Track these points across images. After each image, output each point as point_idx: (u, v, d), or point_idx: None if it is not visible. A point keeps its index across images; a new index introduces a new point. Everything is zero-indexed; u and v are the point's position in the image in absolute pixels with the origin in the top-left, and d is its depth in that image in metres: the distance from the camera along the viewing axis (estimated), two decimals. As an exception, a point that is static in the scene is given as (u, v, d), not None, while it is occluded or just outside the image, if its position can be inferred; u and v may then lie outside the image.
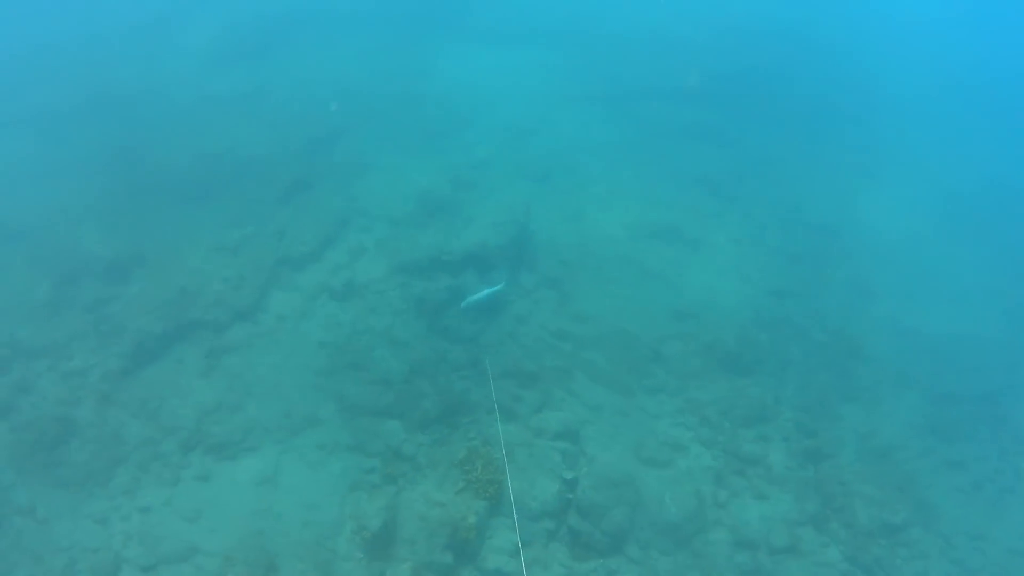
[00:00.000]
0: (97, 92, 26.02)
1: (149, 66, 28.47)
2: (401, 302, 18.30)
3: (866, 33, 39.47)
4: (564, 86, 30.29)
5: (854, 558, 15.32)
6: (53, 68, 27.96)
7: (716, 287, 20.18)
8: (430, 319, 17.84)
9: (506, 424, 16.34)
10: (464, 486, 15.12)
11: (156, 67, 28.51)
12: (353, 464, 15.54)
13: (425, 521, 14.74)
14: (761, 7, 39.24)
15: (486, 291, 17.54)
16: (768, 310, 19.79)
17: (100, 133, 23.94)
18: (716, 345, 18.30)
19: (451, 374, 16.95)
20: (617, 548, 14.97)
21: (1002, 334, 21.27)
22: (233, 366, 16.77)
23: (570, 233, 21.00)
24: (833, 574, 15.18)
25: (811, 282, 21.17)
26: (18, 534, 14.04)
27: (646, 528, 15.29)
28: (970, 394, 19.14)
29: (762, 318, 19.47)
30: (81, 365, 16.16)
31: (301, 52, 30.77)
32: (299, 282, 18.53)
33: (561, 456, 15.87)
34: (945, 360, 19.92)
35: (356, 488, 15.14)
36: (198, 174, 21.28)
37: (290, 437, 15.90)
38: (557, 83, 30.49)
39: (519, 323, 18.28)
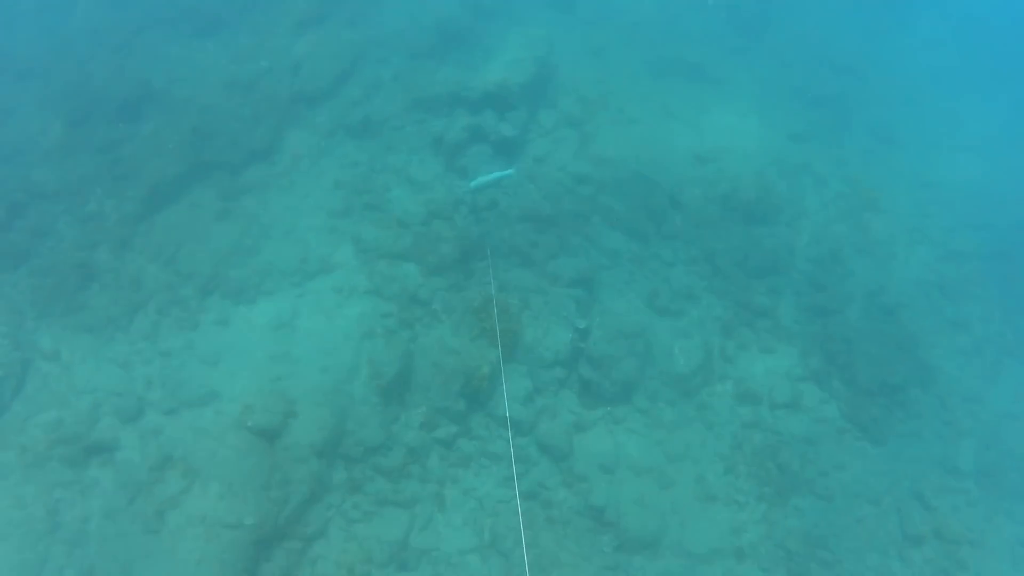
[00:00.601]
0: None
1: None
2: (419, 139, 16.69)
3: None
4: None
5: (851, 416, 14.53)
6: None
7: (737, 130, 18.32)
8: (448, 158, 16.31)
9: (521, 269, 15.26)
10: (479, 333, 14.22)
11: None
12: (370, 308, 14.52)
13: (439, 368, 13.95)
14: None
15: (496, 174, 15.51)
16: (788, 156, 18.01)
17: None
18: (734, 193, 16.70)
19: (469, 216, 15.69)
20: (625, 397, 14.22)
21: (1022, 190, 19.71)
22: (249, 208, 15.50)
23: (592, 68, 18.94)
24: (830, 430, 14.45)
25: (833, 127, 19.25)
26: (44, 378, 13.32)
27: (654, 379, 14.50)
28: (982, 252, 17.75)
29: (781, 164, 17.74)
30: (97, 209, 14.87)
31: None
32: (315, 119, 16.79)
33: (575, 304, 14.83)
34: (961, 215, 18.32)
35: (372, 333, 14.20)
36: (208, 5, 18.98)
37: (307, 280, 14.83)
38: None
39: (538, 164, 16.72)
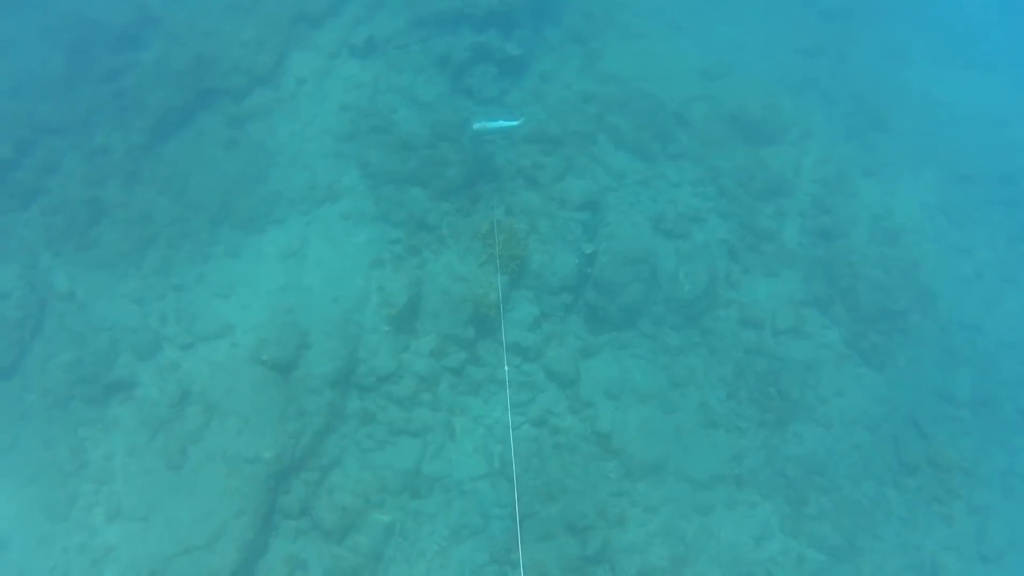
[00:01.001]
0: None
1: None
2: (423, 58, 15.50)
3: None
4: None
5: (852, 342, 14.01)
6: None
7: (745, 43, 17.01)
8: (453, 78, 15.21)
9: (528, 192, 14.46)
10: (486, 259, 13.61)
11: None
12: (378, 235, 13.90)
13: (448, 296, 13.41)
14: None
15: (502, 122, 14.24)
16: (796, 71, 16.76)
17: None
18: (741, 111, 15.55)
19: (475, 137, 14.90)
20: (631, 323, 13.71)
21: None
22: (255, 135, 14.61)
23: None
24: (831, 356, 13.94)
25: (842, 41, 17.79)
26: (61, 317, 12.86)
27: (659, 303, 13.93)
28: (989, 175, 16.79)
29: (789, 80, 16.51)
30: (104, 142, 13.97)
31: None
32: (318, 40, 15.59)
33: (582, 228, 14.10)
34: (969, 137, 17.21)
35: (381, 260, 13.61)
36: None
37: (315, 208, 14.13)
38: None
39: (543, 81, 15.63)
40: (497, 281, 13.15)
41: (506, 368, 12.32)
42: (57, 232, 13.42)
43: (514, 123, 14.19)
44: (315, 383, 12.62)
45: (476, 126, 14.03)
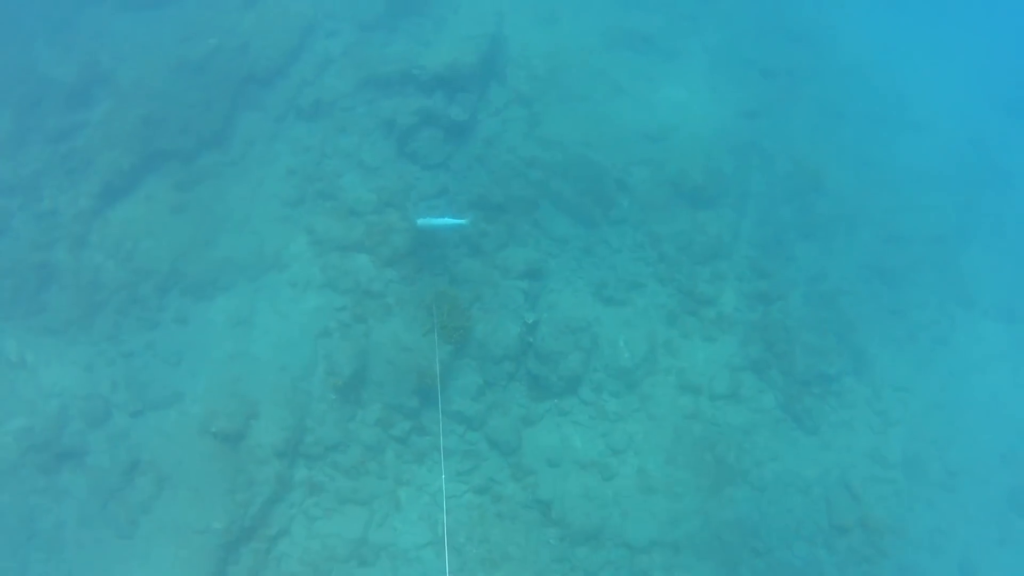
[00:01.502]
0: None
1: None
2: (370, 120, 16.59)
3: None
4: None
5: (787, 406, 15.45)
6: None
7: (686, 105, 18.25)
8: (399, 142, 16.28)
9: (471, 260, 15.60)
10: (430, 328, 14.78)
11: None
12: (324, 302, 14.98)
13: (393, 365, 14.55)
14: None
15: (448, 219, 15.31)
16: (736, 133, 18.03)
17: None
18: (681, 175, 16.87)
19: (419, 203, 15.86)
20: (571, 390, 14.99)
21: (963, 168, 19.98)
22: (203, 198, 15.55)
23: (543, 41, 18.54)
24: (766, 420, 15.38)
25: (783, 100, 19.13)
26: (11, 383, 13.77)
27: (600, 371, 15.21)
28: (921, 235, 18.27)
29: (730, 142, 17.81)
30: (52, 205, 14.83)
31: None
32: (266, 101, 16.55)
33: (524, 296, 15.33)
34: (903, 196, 18.78)
35: (328, 328, 14.76)
36: None
37: (262, 274, 15.16)
38: None
39: (488, 146, 16.74)
40: (436, 354, 14.05)
41: (441, 442, 13.33)
42: (6, 296, 14.31)
43: (461, 222, 15.23)
44: (263, 453, 13.68)
45: (420, 222, 15.07)
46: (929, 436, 15.93)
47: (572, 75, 18.09)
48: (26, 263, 14.42)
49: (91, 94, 16.15)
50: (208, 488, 13.25)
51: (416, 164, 16.35)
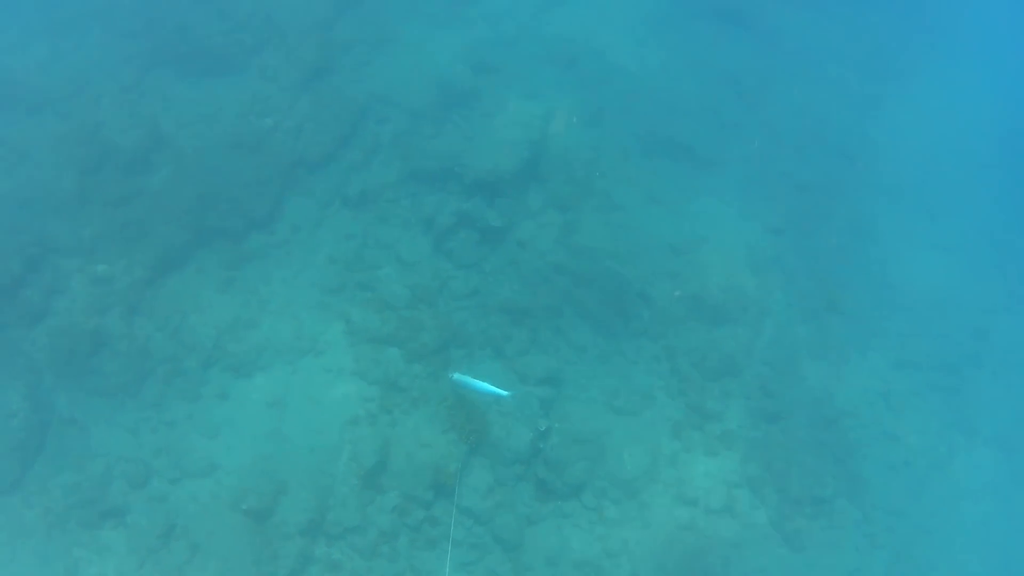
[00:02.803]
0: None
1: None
2: (411, 214, 19.83)
3: None
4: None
5: (778, 524, 18.43)
6: None
7: (717, 217, 21.39)
8: (436, 240, 19.49)
9: (493, 362, 18.76)
10: (449, 427, 17.89)
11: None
12: (355, 391, 18.16)
13: (412, 460, 17.67)
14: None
15: (487, 386, 17.13)
16: (761, 249, 21.12)
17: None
18: (702, 290, 20.00)
19: (451, 303, 19.05)
20: (575, 495, 18.07)
21: (985, 292, 22.83)
22: (249, 279, 18.78)
23: (585, 144, 21.77)
24: (755, 536, 18.35)
25: (812, 217, 22.12)
26: (61, 438, 17.00)
27: (603, 479, 18.27)
28: (932, 362, 21.25)
29: (754, 258, 20.89)
30: (109, 272, 18.07)
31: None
32: (314, 187, 19.86)
33: (539, 403, 18.46)
34: (918, 321, 21.76)
35: (356, 417, 17.90)
36: (217, 44, 21.53)
37: (299, 358, 18.38)
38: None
39: (521, 249, 19.91)
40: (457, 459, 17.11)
41: (451, 539, 16.40)
42: (61, 356, 17.52)
43: (502, 393, 17.06)
44: (288, 529, 16.81)
45: (455, 376, 17.59)
46: (914, 561, 18.92)
47: (609, 182, 21.25)
48: (81, 327, 17.64)
49: (151, 161, 19.43)
50: (236, 559, 16.40)
51: (451, 263, 19.56)
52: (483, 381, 17.30)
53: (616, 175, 21.56)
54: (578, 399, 18.74)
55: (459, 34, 24.23)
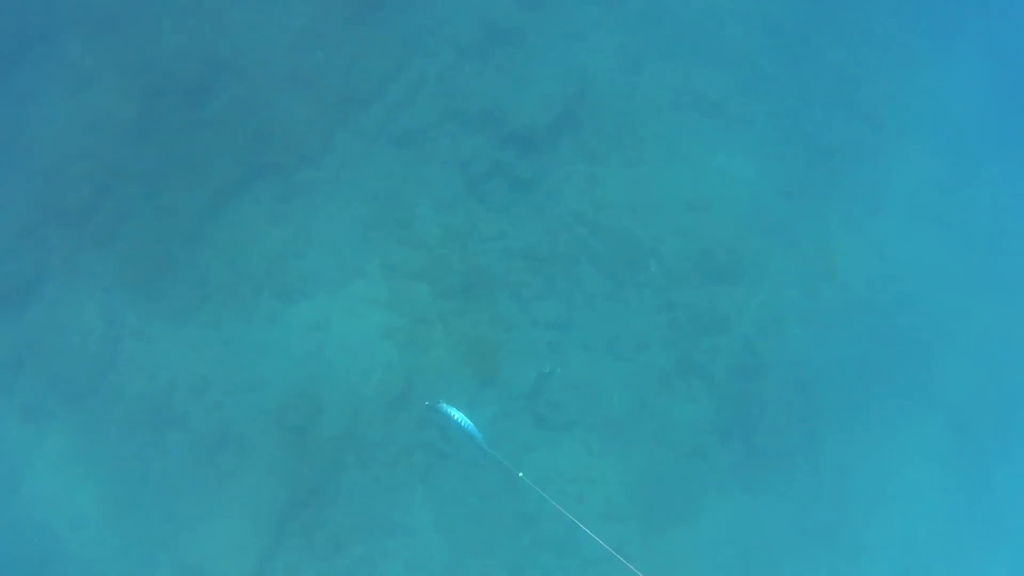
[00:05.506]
0: None
1: None
2: (450, 155, 20.49)
3: None
4: None
5: (739, 471, 20.47)
6: None
7: (735, 176, 22.03)
8: (469, 183, 20.20)
9: (509, 304, 19.96)
10: (466, 363, 19.31)
11: None
12: (386, 321, 19.78)
13: (432, 389, 19.28)
14: None
15: (462, 419, 16.92)
16: (772, 213, 21.93)
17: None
18: (709, 250, 20.88)
19: (479, 245, 19.99)
20: (568, 429, 20.01)
21: (975, 275, 23.17)
22: (298, 213, 20.16)
23: (620, 93, 21.97)
24: (718, 480, 20.40)
25: (828, 183, 22.61)
26: (131, 351, 18.83)
27: (594, 416, 20.14)
28: (911, 335, 22.23)
29: (763, 222, 21.82)
30: (172, 201, 19.33)
31: None
32: (361, 123, 20.63)
33: (547, 347, 19.82)
34: (905, 294, 22.47)
35: (386, 344, 19.39)
36: None
37: (339, 288, 20.11)
38: None
39: (547, 198, 20.81)
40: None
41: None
42: (130, 279, 19.03)
43: (474, 433, 17.03)
44: (323, 442, 18.84)
45: (438, 405, 17.42)
46: (852, 519, 20.95)
47: (637, 136, 21.77)
48: (147, 253, 18.98)
49: (211, 89, 19.67)
50: (279, 465, 18.64)
51: (482, 206, 20.18)
52: (460, 414, 17.10)
53: (644, 129, 22.18)
54: (582, 344, 19.97)
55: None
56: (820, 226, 22.55)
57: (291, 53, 20.87)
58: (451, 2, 22.27)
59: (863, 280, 22.58)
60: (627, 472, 20.94)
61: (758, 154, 22.77)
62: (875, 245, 23.08)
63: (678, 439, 20.88)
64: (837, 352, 22.00)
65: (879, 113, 24.26)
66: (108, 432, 18.99)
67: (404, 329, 20.08)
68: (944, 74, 25.90)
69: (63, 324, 19.04)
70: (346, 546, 19.00)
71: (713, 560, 20.82)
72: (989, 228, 24.58)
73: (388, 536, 19.87)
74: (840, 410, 21.71)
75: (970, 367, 23.24)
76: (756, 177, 22.48)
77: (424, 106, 21.14)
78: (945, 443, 22.61)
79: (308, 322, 19.85)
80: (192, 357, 19.51)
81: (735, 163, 22.47)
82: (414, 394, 19.91)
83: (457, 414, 17.20)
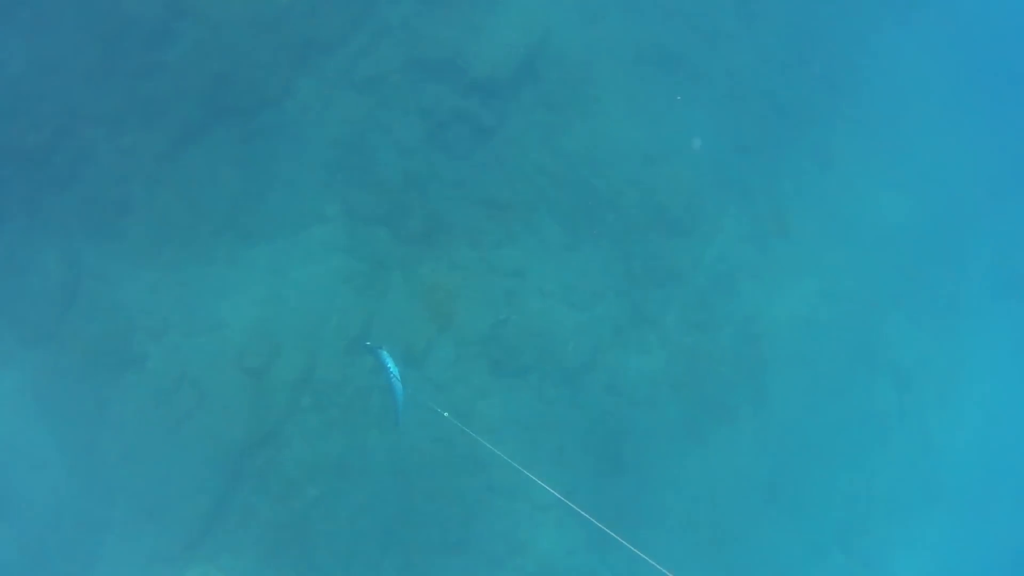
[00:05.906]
0: None
1: None
2: (411, 102, 20.42)
3: None
4: None
5: (688, 421, 20.96)
6: None
7: (694, 129, 22.03)
8: (431, 131, 20.08)
9: (468, 251, 20.10)
10: (423, 308, 19.42)
11: None
12: (346, 266, 19.97)
13: (389, 333, 19.43)
14: None
15: (394, 372, 15.92)
16: (728, 168, 22.20)
17: None
18: (665, 203, 21.02)
19: (439, 193, 19.97)
20: (522, 376, 20.33)
21: (925, 235, 23.16)
22: (259, 155, 20.16)
23: (581, 45, 22.07)
24: (667, 428, 20.99)
25: (782, 141, 22.85)
26: (90, 295, 18.76)
27: (548, 364, 20.54)
28: (859, 295, 22.75)
29: (719, 176, 22.14)
30: (132, 143, 19.32)
31: None
32: (324, 68, 20.40)
33: (504, 294, 20.00)
34: (856, 255, 23.28)
35: (344, 289, 19.53)
36: None
37: (300, 231, 20.09)
38: None
39: (508, 145, 20.96)
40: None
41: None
42: (90, 221, 18.93)
43: (398, 387, 15.96)
44: (280, 385, 19.07)
45: (369, 345, 16.93)
46: (791, 472, 21.74)
47: (597, 88, 21.71)
48: (108, 195, 18.91)
49: (172, 32, 19.42)
50: (235, 408, 18.65)
51: (442, 153, 20.23)
52: (389, 360, 16.10)
53: (605, 82, 22.35)
54: (537, 293, 20.17)
55: None
56: (774, 183, 23.10)
57: (251, -2, 21.49)
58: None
59: (816, 239, 23.19)
60: (580, 419, 21.40)
61: (717, 109, 23.07)
62: (829, 205, 23.70)
63: (630, 388, 21.59)
64: (787, 309, 22.68)
65: (834, 74, 24.66)
66: (67, 373, 19.05)
67: (363, 273, 20.27)
68: (899, 37, 26.28)
69: (22, 266, 18.86)
70: (301, 487, 19.45)
71: (660, 507, 21.63)
72: (940, 187, 25.15)
73: (343, 478, 20.27)
74: (788, 367, 22.53)
75: (915, 329, 24.09)
76: (714, 131, 22.79)
77: (387, 52, 21.04)
78: (890, 402, 23.50)
79: (267, 265, 19.99)
80: (151, 299, 19.52)
81: (694, 116, 22.68)
82: (371, 338, 20.50)
83: (392, 366, 16.21)
